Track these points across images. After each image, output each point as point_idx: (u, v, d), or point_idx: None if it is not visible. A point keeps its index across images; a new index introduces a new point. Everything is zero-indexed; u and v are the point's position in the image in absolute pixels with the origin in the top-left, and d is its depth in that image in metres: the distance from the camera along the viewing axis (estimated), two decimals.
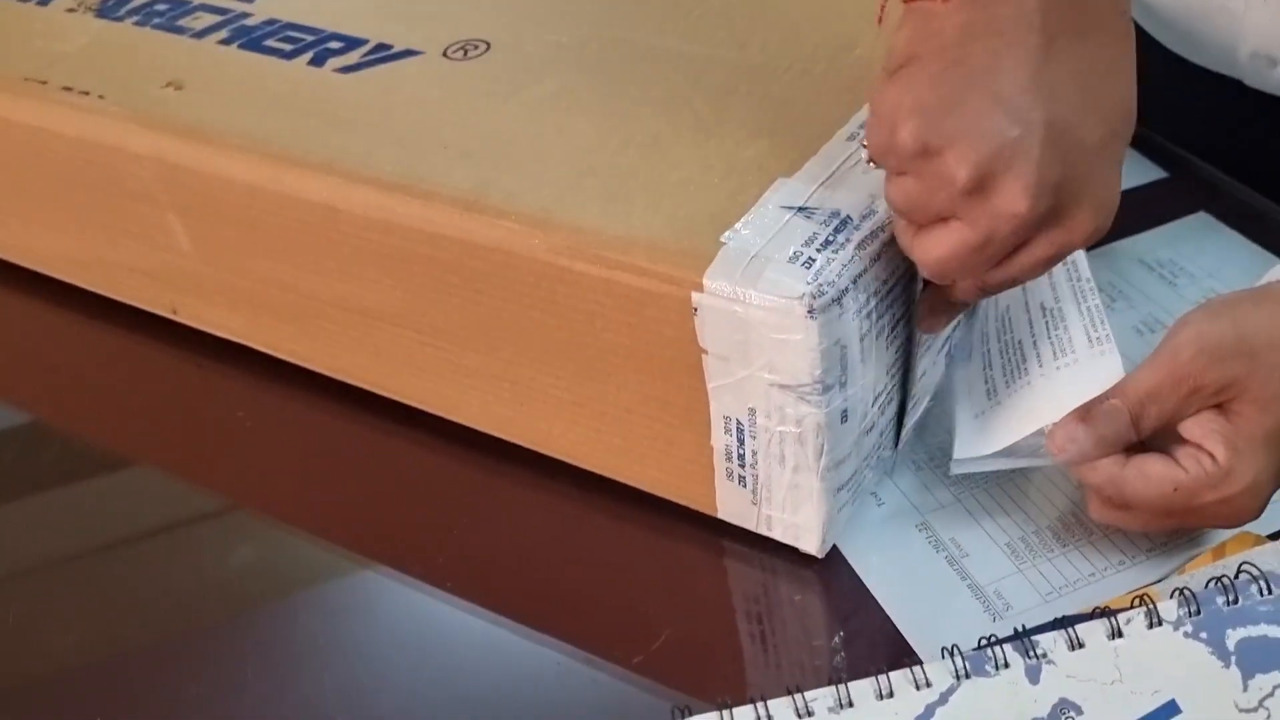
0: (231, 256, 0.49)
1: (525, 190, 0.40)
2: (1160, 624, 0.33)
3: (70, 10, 0.57)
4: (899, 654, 0.37)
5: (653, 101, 0.44)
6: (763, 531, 0.41)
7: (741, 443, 0.38)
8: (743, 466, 0.39)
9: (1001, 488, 0.43)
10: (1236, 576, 0.34)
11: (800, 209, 0.37)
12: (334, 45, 0.50)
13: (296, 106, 0.47)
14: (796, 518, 0.39)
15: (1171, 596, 0.33)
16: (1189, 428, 0.37)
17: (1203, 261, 0.51)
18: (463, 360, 0.44)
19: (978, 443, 0.40)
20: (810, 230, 0.36)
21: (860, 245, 0.35)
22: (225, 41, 0.52)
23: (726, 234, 0.36)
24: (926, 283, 0.38)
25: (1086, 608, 0.35)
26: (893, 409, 0.41)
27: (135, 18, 0.55)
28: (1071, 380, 0.39)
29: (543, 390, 0.43)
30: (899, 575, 0.40)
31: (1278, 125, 0.58)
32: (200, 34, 0.53)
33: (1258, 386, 0.36)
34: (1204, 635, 0.33)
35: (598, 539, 0.44)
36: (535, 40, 0.49)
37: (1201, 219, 0.54)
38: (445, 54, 0.49)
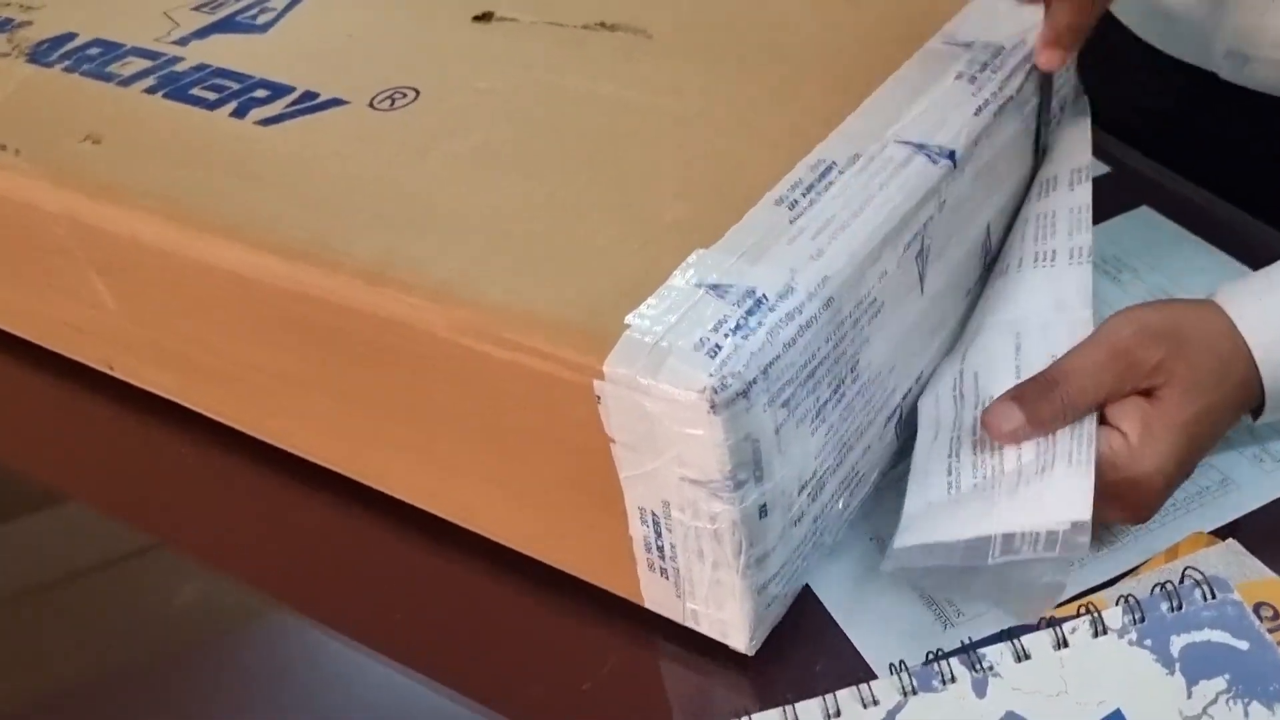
0: (154, 316, 0.47)
1: (433, 260, 0.37)
2: (1105, 632, 0.33)
3: (3, 54, 0.55)
4: (851, 665, 0.37)
5: (578, 157, 0.41)
6: (690, 625, 0.38)
7: (659, 535, 0.36)
8: (663, 559, 0.36)
9: None
10: (1181, 581, 0.34)
11: (713, 286, 0.34)
12: (259, 94, 0.48)
13: (212, 163, 0.44)
14: (722, 614, 0.36)
15: (1117, 603, 0.33)
16: (1113, 411, 0.37)
17: (1146, 256, 0.51)
18: (383, 431, 0.42)
19: (923, 531, 0.37)
20: (721, 312, 0.33)
21: (774, 330, 0.32)
22: (151, 90, 0.50)
23: (632, 315, 0.33)
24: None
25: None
26: (830, 492, 0.38)
27: (66, 63, 0.53)
28: (1042, 494, 0.36)
29: (462, 466, 0.40)
30: (851, 586, 0.40)
31: (1248, 117, 0.57)
32: (127, 81, 0.51)
33: (1183, 372, 0.37)
34: (1148, 643, 0.33)
35: (525, 613, 0.41)
36: (466, 88, 0.46)
37: (1144, 213, 0.54)
38: (372, 104, 0.46)
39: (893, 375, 0.40)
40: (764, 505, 0.34)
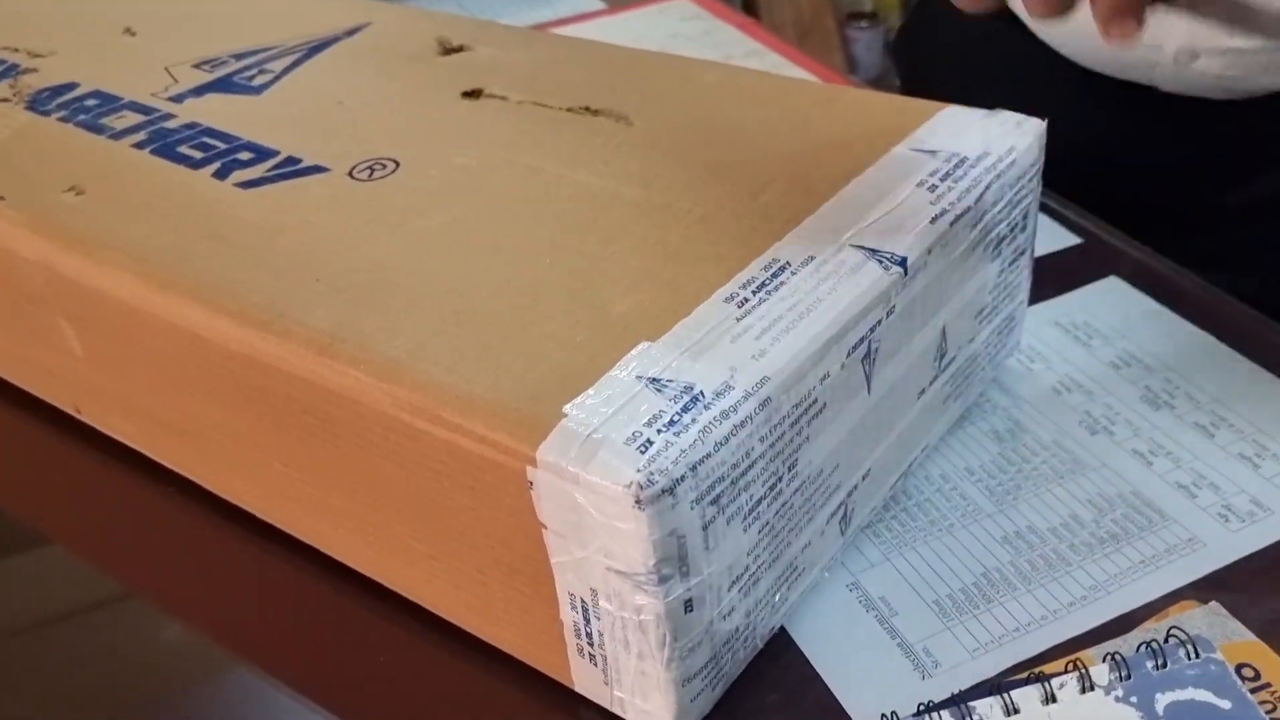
0: (118, 367, 0.47)
1: (383, 335, 0.38)
2: (1092, 688, 0.34)
3: (4, 100, 0.56)
4: (832, 717, 0.38)
5: (542, 241, 0.42)
6: (618, 712, 0.38)
7: (588, 622, 0.36)
8: (591, 645, 0.36)
9: (929, 545, 0.44)
10: (1166, 640, 0.35)
11: (653, 380, 0.34)
12: (244, 156, 0.49)
13: (187, 222, 0.45)
14: (647, 705, 0.37)
15: (1104, 660, 0.34)
16: None
17: (1114, 323, 0.53)
18: (327, 499, 0.42)
19: None
20: (658, 406, 0.33)
21: (707, 428, 0.33)
22: (140, 145, 0.51)
23: (571, 404, 0.34)
24: None
25: (1012, 662, 0.37)
26: (765, 586, 0.38)
27: (63, 112, 0.54)
28: None
29: (400, 540, 0.40)
30: (830, 635, 0.41)
31: (1188, 131, 0.60)
32: (119, 134, 0.52)
33: None
34: (1134, 699, 0.34)
35: (465, 681, 0.41)
36: (444, 162, 0.47)
37: (1112, 283, 0.56)
38: (351, 173, 0.47)
39: (836, 473, 0.40)
40: (689, 600, 0.34)
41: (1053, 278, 0.56)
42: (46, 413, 0.54)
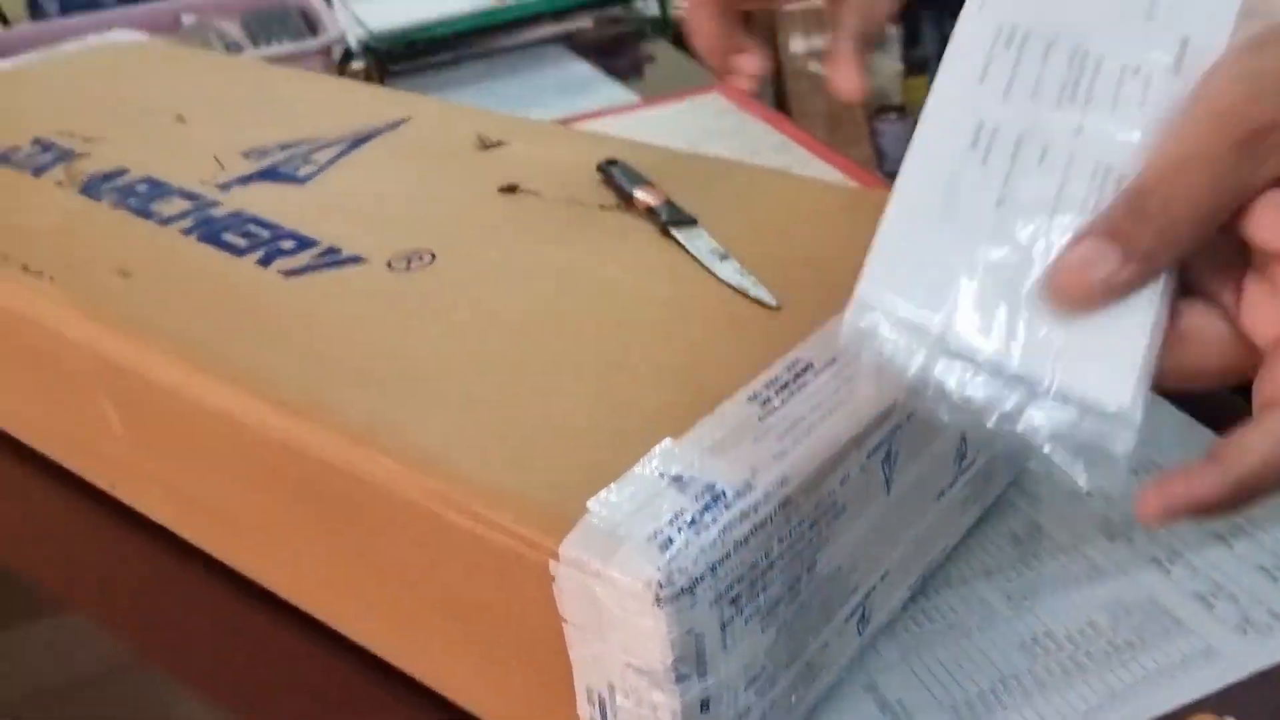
0: (159, 448, 0.49)
1: (416, 426, 0.39)
2: None
3: (59, 184, 0.59)
4: None
5: (574, 335, 0.43)
6: None
7: (605, 716, 0.36)
8: None
9: (946, 648, 0.43)
10: None
11: (676, 478, 0.35)
12: (286, 245, 0.51)
13: (230, 309, 0.47)
14: None
15: None
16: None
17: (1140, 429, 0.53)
18: (352, 582, 0.43)
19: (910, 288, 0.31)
20: (679, 504, 0.34)
21: (727, 528, 0.34)
22: (187, 231, 0.53)
23: (595, 500, 0.35)
24: None
25: None
26: (782, 687, 0.38)
27: (113, 197, 0.56)
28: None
29: (423, 626, 0.41)
30: None
31: None
32: (167, 220, 0.54)
33: None
34: None
35: None
36: (479, 256, 0.49)
37: None
38: (390, 264, 0.49)
39: (854, 574, 0.40)
40: (706, 699, 0.34)
41: None
42: (79, 484, 0.55)
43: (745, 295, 0.44)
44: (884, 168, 2.83)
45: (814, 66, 2.77)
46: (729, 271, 0.46)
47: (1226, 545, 0.47)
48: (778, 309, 0.43)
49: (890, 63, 2.91)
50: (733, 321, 0.43)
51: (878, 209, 0.50)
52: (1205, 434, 0.53)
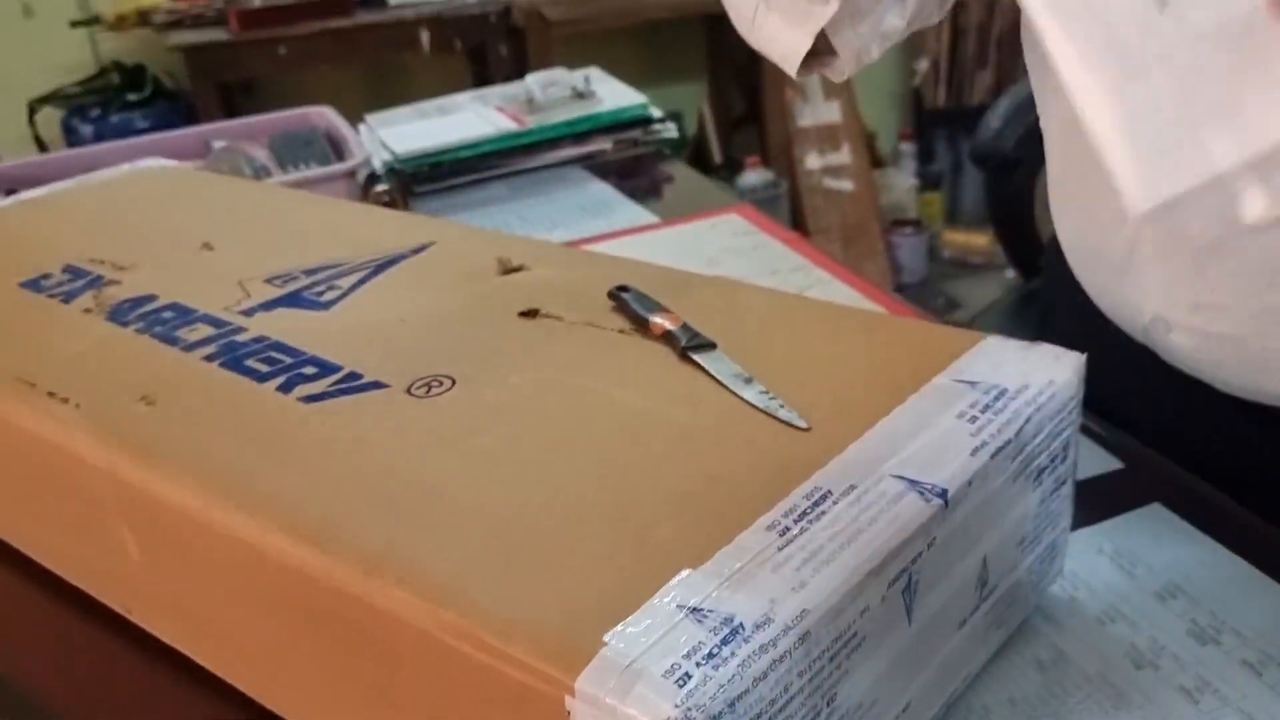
0: (175, 574, 0.49)
1: (430, 555, 0.39)
2: None
3: (86, 311, 0.60)
4: None
5: (590, 462, 0.43)
6: None
7: None
8: None
9: None
10: None
11: (694, 610, 0.35)
12: (308, 371, 0.51)
13: (250, 435, 0.47)
14: None
15: None
16: None
17: (1159, 551, 0.53)
18: (364, 712, 0.42)
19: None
20: (698, 638, 0.34)
21: (745, 662, 0.33)
22: (210, 357, 0.53)
23: (611, 633, 0.34)
24: None
25: None
26: None
27: (140, 324, 0.57)
28: None
29: None
30: None
31: (1200, 403, 0.58)
32: (191, 346, 0.54)
33: None
34: None
35: None
36: (499, 381, 0.49)
37: (1155, 510, 0.56)
38: (409, 390, 0.49)
39: (875, 707, 0.40)
40: None
41: (1096, 502, 0.56)
42: (92, 605, 0.55)
43: (774, 418, 0.44)
44: (901, 277, 2.85)
45: (829, 182, 2.81)
46: (755, 394, 0.46)
47: (1256, 674, 0.46)
48: (807, 430, 0.44)
49: (905, 178, 2.96)
50: (753, 446, 0.43)
51: (894, 334, 0.51)
52: (1228, 557, 0.52)
